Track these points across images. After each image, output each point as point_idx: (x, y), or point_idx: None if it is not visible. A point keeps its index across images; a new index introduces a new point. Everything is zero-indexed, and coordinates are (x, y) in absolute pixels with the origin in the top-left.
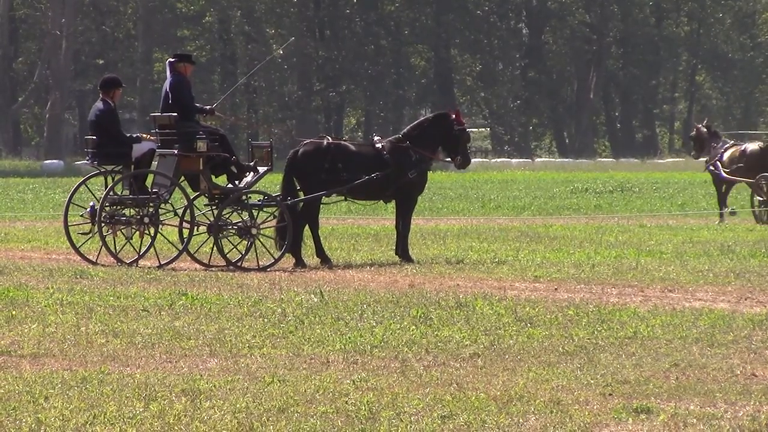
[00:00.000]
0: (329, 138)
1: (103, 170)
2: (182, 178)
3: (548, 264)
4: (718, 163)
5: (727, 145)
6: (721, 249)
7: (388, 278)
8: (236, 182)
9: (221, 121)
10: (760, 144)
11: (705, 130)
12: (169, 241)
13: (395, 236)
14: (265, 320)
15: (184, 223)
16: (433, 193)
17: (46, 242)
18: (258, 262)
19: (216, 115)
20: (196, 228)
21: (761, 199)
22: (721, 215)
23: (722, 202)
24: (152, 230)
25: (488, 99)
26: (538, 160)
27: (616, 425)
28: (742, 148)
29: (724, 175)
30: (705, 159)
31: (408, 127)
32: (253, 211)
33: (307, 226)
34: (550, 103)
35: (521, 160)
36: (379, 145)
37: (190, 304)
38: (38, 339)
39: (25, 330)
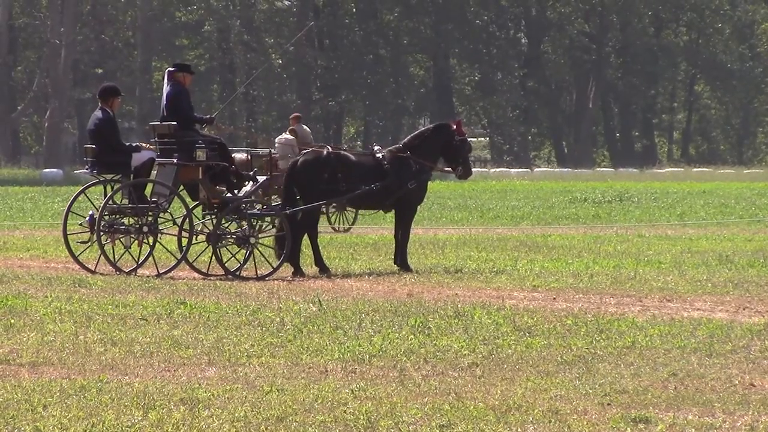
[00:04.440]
0: (329, 147)
1: (102, 179)
2: (181, 187)
3: (547, 273)
4: None
5: None
6: (720, 259)
7: (387, 287)
8: (235, 191)
9: (220, 130)
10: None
11: None
12: (167, 250)
13: (394, 245)
14: (264, 329)
15: (182, 232)
16: (432, 202)
17: (45, 251)
18: (256, 272)
19: (216, 126)
20: (194, 237)
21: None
22: None
23: None
24: (151, 239)
25: (487, 108)
26: (537, 169)
27: None
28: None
29: None
30: None
31: (408, 136)
32: (252, 220)
33: (306, 235)
34: (549, 113)
35: (520, 169)
36: (379, 155)
37: (189, 313)
38: (37, 347)
39: (24, 338)
